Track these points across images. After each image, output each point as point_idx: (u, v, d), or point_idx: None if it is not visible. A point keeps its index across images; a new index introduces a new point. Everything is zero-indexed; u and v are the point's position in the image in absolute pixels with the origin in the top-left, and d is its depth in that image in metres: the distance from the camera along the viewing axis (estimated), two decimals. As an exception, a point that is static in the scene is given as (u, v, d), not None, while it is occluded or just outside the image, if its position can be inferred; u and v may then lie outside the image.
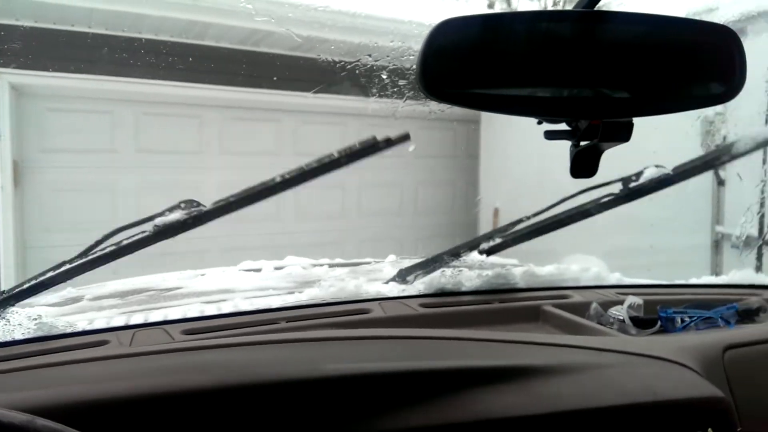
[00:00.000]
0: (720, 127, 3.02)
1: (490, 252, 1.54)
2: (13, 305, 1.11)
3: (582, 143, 0.74)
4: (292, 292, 1.38)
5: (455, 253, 1.50)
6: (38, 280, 1.20)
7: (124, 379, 0.84)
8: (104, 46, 3.98)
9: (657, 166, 1.49)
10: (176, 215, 1.27)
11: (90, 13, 3.80)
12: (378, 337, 1.04)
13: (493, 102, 0.64)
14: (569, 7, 0.73)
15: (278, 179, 1.32)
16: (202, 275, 1.78)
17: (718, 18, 3.11)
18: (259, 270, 1.87)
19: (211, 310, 1.32)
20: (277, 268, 1.87)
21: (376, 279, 1.63)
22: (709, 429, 0.79)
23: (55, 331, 1.05)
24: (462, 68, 0.62)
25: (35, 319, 1.03)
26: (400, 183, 5.56)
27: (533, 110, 0.66)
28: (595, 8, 0.69)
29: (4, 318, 1.01)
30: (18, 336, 1.01)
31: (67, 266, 1.24)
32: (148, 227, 1.29)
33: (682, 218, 3.16)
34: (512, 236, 1.54)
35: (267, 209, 5.08)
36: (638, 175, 1.47)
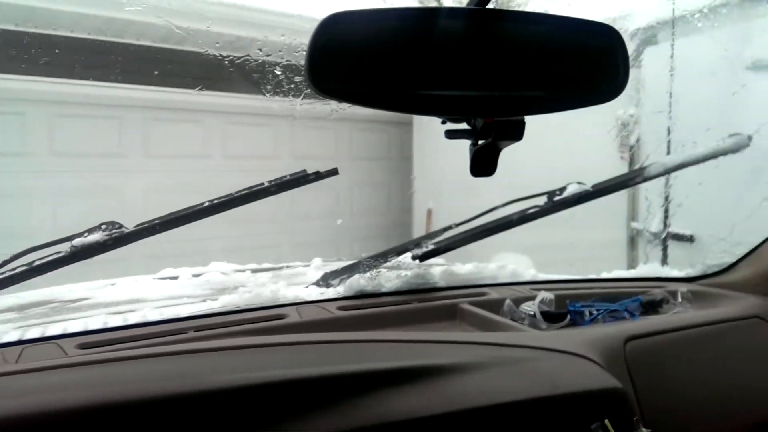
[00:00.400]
0: (634, 129, 3.19)
1: (422, 258, 1.56)
2: None
3: (480, 142, 0.75)
4: (205, 300, 1.33)
5: (383, 257, 1.50)
6: None
7: (6, 398, 0.77)
8: (11, 43, 3.72)
9: (579, 183, 1.57)
10: (95, 236, 1.22)
11: (-5, 7, 3.55)
12: (290, 343, 1.01)
13: (384, 100, 0.63)
14: (463, 4, 0.73)
15: (206, 204, 1.31)
16: (113, 285, 1.68)
17: (631, 25, 3.29)
18: (176, 278, 1.79)
19: (115, 321, 1.25)
20: (195, 275, 1.79)
21: (300, 283, 1.60)
22: (606, 420, 0.82)
23: (-71, 351, 0.95)
24: (351, 64, 0.60)
25: None
26: (335, 185, 5.52)
27: (424, 108, 0.65)
28: (487, 6, 0.69)
29: None
30: None
31: None
32: (64, 247, 1.21)
33: (600, 215, 3.31)
34: (442, 243, 1.57)
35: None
36: (562, 190, 1.54)
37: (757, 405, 1.16)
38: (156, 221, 1.26)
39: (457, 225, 1.66)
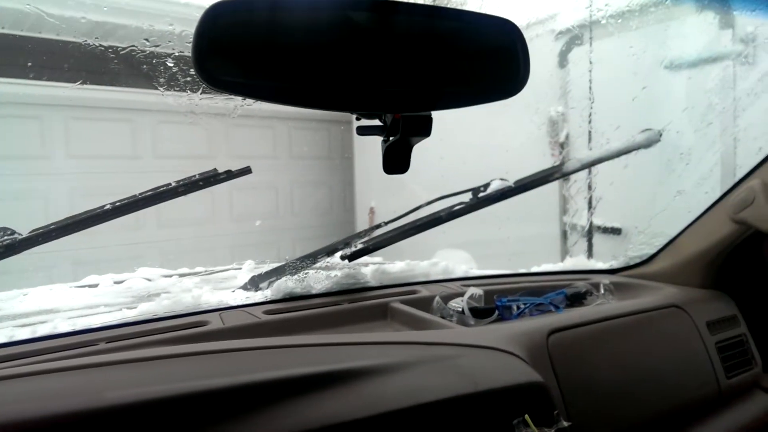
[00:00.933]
0: (563, 127, 3.30)
1: (352, 257, 1.54)
2: None
3: (391, 138, 0.73)
4: (121, 309, 1.25)
5: (313, 258, 1.46)
6: None
7: None
8: None
9: (501, 179, 1.59)
10: None
11: None
12: (209, 351, 0.96)
13: (275, 93, 0.60)
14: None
15: (108, 207, 1.24)
16: (25, 295, 1.57)
17: (557, 26, 3.39)
18: (96, 285, 1.69)
19: (23, 334, 1.16)
20: (116, 282, 1.70)
21: (229, 287, 1.54)
22: (526, 415, 0.82)
23: None
24: (241, 56, 0.57)
25: None
26: (275, 185, 5.43)
27: (322, 103, 0.63)
28: None
29: None
30: None
31: None
32: None
33: (535, 211, 3.40)
34: (372, 242, 1.55)
35: (125, 218, 4.67)
36: (486, 186, 1.56)
37: (674, 391, 1.21)
38: (52, 226, 1.18)
39: (387, 223, 1.66)
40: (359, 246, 1.56)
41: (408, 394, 0.80)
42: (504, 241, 3.40)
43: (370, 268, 1.44)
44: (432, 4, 0.66)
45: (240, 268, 1.94)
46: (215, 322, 1.15)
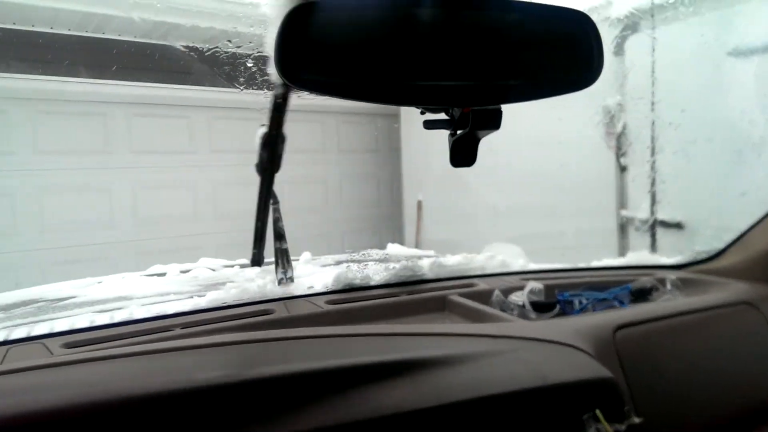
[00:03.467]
0: (620, 117, 3.20)
1: None
2: None
3: (458, 132, 0.74)
4: (192, 297, 1.31)
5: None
6: None
7: None
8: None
9: None
10: None
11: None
12: (278, 338, 1.00)
13: (356, 90, 0.61)
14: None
15: None
16: (100, 283, 1.66)
17: (613, 12, 3.29)
18: (164, 274, 1.77)
19: (102, 319, 1.23)
20: (183, 272, 1.78)
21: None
22: (597, 410, 0.81)
23: None
24: (321, 54, 0.59)
25: None
26: (324, 178, 5.51)
27: (399, 98, 0.64)
28: None
29: None
30: None
31: None
32: None
33: (590, 203, 3.32)
34: None
35: (184, 210, 4.91)
36: None
37: (747, 391, 1.17)
38: None
39: None
40: None
41: (475, 386, 0.81)
42: (557, 235, 3.34)
43: (427, 261, 1.45)
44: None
45: (297, 260, 1.99)
46: (280, 311, 1.19)
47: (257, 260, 1.46)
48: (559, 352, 0.95)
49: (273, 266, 1.98)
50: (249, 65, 1.16)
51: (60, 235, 4.08)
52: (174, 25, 3.74)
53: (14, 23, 3.72)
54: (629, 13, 3.10)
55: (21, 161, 4.02)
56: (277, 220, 1.39)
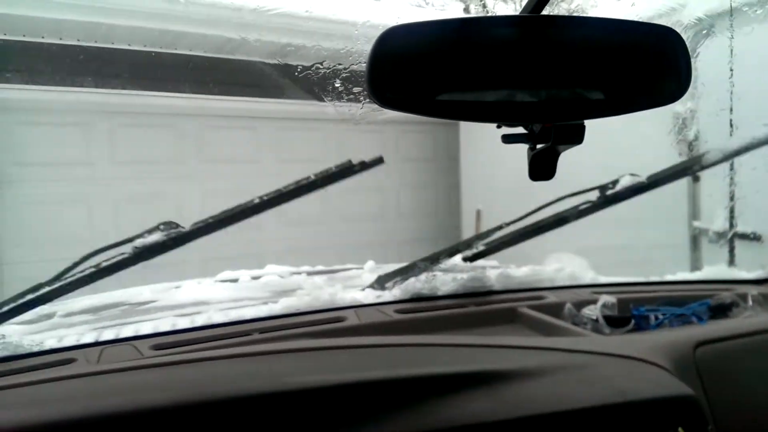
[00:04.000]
0: (690, 125, 3.07)
1: (472, 259, 1.55)
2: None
3: (538, 146, 0.74)
4: (267, 303, 1.36)
5: (434, 259, 1.50)
6: (17, 303, 1.17)
7: (89, 399, 0.82)
8: (75, 58, 3.93)
9: (632, 175, 1.52)
10: (155, 237, 1.27)
11: (60, 25, 3.75)
12: (351, 346, 1.03)
13: (443, 109, 0.63)
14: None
15: (256, 200, 1.34)
16: (177, 287, 1.75)
17: (683, 17, 3.16)
18: (236, 280, 1.85)
19: (184, 323, 1.30)
20: (254, 278, 1.85)
21: (354, 286, 1.62)
22: (680, 428, 0.79)
23: (20, 351, 1.02)
24: (411, 75, 0.61)
25: (1, 338, 1.00)
26: (381, 187, 5.56)
27: (483, 115, 0.66)
28: (541, 13, 0.69)
29: (-35, 339, 0.99)
30: (-19, 357, 0.98)
31: (46, 288, 1.21)
32: (127, 249, 1.27)
33: (659, 215, 3.19)
34: (493, 243, 1.55)
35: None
36: (614, 183, 1.49)
37: None
38: (210, 219, 1.30)
39: (508, 224, 1.64)
40: (480, 248, 1.57)
41: (552, 400, 0.80)
42: (624, 247, 3.23)
43: (494, 271, 1.45)
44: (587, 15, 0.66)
45: (362, 268, 2.03)
46: (352, 319, 1.22)
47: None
48: (637, 368, 0.93)
49: (339, 274, 2.03)
50: (337, 84, 1.21)
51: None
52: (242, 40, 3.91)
53: (96, 41, 3.99)
54: (704, 17, 2.98)
55: (99, 171, 4.29)
56: None
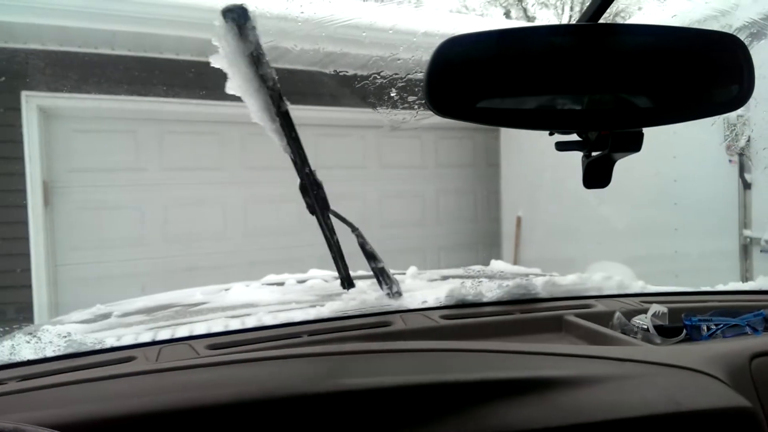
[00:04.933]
0: (743, 129, 2.97)
1: None
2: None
3: (593, 153, 0.75)
4: (314, 306, 1.39)
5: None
6: None
7: (150, 395, 0.86)
8: (126, 67, 4.10)
9: None
10: None
11: (113, 36, 3.92)
12: (399, 350, 1.04)
13: (501, 117, 0.65)
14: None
15: None
16: (227, 290, 1.80)
17: (735, 20, 3.07)
18: (282, 284, 1.89)
19: (235, 324, 1.34)
20: (299, 282, 1.89)
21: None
22: (737, 440, 0.78)
23: (84, 348, 1.07)
24: (469, 84, 0.63)
25: (65, 336, 1.06)
26: (420, 193, 5.57)
27: (541, 123, 0.67)
28: (599, 21, 0.70)
29: (35, 336, 1.04)
30: (48, 353, 1.04)
31: None
32: None
33: (708, 223, 3.10)
34: None
35: (287, 222, 5.13)
36: None
37: None
38: None
39: None
40: None
41: (606, 408, 0.80)
42: (670, 256, 3.14)
43: (541, 279, 1.44)
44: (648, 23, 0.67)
45: (404, 273, 2.05)
46: (398, 323, 1.24)
47: (347, 282, 1.50)
48: (691, 378, 0.91)
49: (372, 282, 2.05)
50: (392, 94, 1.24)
51: (179, 245, 4.46)
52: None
53: (145, 51, 4.16)
54: (757, 20, 2.89)
55: (149, 177, 4.45)
56: (363, 245, 1.45)
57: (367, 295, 1.45)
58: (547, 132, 0.80)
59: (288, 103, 1.22)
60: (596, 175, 0.77)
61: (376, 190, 5.26)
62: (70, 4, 3.55)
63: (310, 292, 1.71)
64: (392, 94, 1.26)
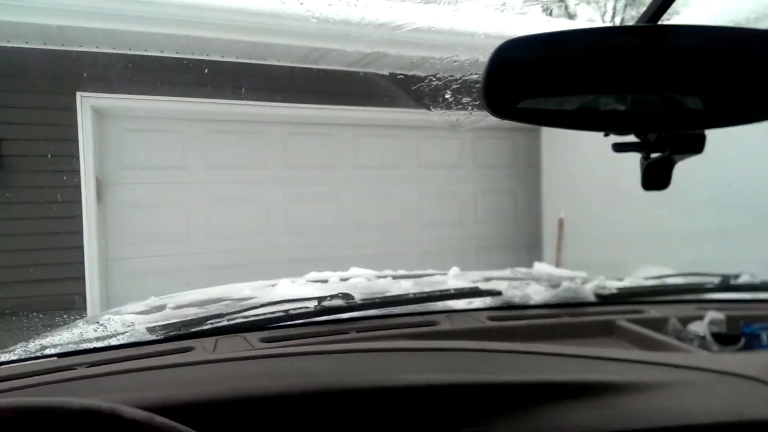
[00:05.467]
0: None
1: None
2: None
3: (653, 155, 0.74)
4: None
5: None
6: None
7: (209, 384, 0.89)
8: (174, 69, 4.23)
9: None
10: (336, 302, 1.30)
11: (162, 39, 4.04)
12: (447, 349, 1.05)
13: (560, 118, 0.65)
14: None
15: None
16: (273, 285, 1.84)
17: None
18: (325, 281, 1.92)
19: (285, 319, 1.37)
20: (342, 279, 1.91)
21: (441, 291, 1.64)
22: (803, 452, 0.75)
23: (146, 338, 1.12)
24: (527, 86, 0.63)
25: (128, 326, 1.10)
26: (459, 193, 5.54)
27: (600, 125, 0.66)
28: (659, 23, 0.69)
29: (102, 325, 1.09)
30: (113, 342, 1.09)
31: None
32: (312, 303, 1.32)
33: (763, 226, 2.98)
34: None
35: (327, 222, 5.19)
36: None
37: None
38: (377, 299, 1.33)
39: None
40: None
41: (663, 415, 0.79)
42: (725, 262, 3.03)
43: (590, 283, 1.42)
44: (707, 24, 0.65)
45: (446, 274, 2.05)
46: (444, 323, 1.25)
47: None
48: (752, 388, 0.89)
49: (424, 279, 2.05)
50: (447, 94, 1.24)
51: (223, 241, 4.57)
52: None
53: (192, 53, 4.28)
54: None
55: (194, 175, 4.58)
56: None
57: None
58: (602, 133, 0.80)
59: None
60: (656, 177, 0.76)
61: (415, 191, 5.26)
62: (123, 8, 3.68)
63: (353, 290, 1.72)
64: (447, 96, 1.27)
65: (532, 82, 0.64)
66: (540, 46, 0.64)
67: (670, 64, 0.65)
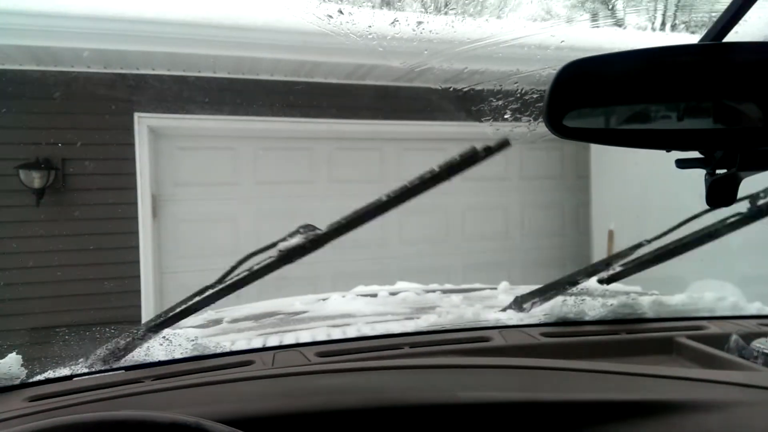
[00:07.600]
0: None
1: (610, 281, 1.50)
2: (165, 327, 1.25)
3: (718, 171, 0.72)
4: (411, 318, 1.42)
5: (572, 281, 1.47)
6: (187, 305, 1.32)
7: (271, 399, 0.92)
8: (226, 89, 4.39)
9: None
10: (296, 239, 1.35)
11: (214, 60, 4.20)
12: (502, 366, 1.04)
13: (625, 137, 0.65)
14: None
15: (384, 198, 1.35)
16: (324, 300, 1.88)
17: None
18: (374, 295, 1.94)
19: (336, 333, 1.40)
20: (392, 294, 1.93)
21: (492, 306, 1.64)
22: None
23: (207, 351, 1.17)
24: (592, 106, 0.64)
25: (192, 340, 1.15)
26: (504, 206, 5.48)
27: (667, 143, 0.66)
28: (723, 41, 0.68)
29: (167, 339, 1.15)
30: (177, 355, 1.14)
31: (210, 291, 1.36)
32: (273, 252, 1.37)
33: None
34: (633, 263, 1.49)
35: (372, 235, 5.22)
36: (766, 191, 1.36)
37: None
38: (343, 220, 1.34)
39: (649, 242, 1.55)
40: (618, 269, 1.51)
41: (731, 436, 0.77)
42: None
43: (648, 298, 1.39)
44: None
45: (495, 288, 2.04)
46: (497, 339, 1.24)
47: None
48: (827, 410, 0.85)
49: (473, 293, 2.04)
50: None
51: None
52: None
53: (242, 73, 4.43)
54: None
55: (245, 191, 4.72)
56: None
57: (462, 309, 1.46)
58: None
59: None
60: (721, 194, 0.75)
61: (459, 203, 5.24)
62: (177, 32, 3.85)
63: (403, 304, 1.75)
64: (504, 111, 1.27)
65: (596, 102, 0.65)
66: (602, 67, 0.65)
67: (737, 81, 0.64)
